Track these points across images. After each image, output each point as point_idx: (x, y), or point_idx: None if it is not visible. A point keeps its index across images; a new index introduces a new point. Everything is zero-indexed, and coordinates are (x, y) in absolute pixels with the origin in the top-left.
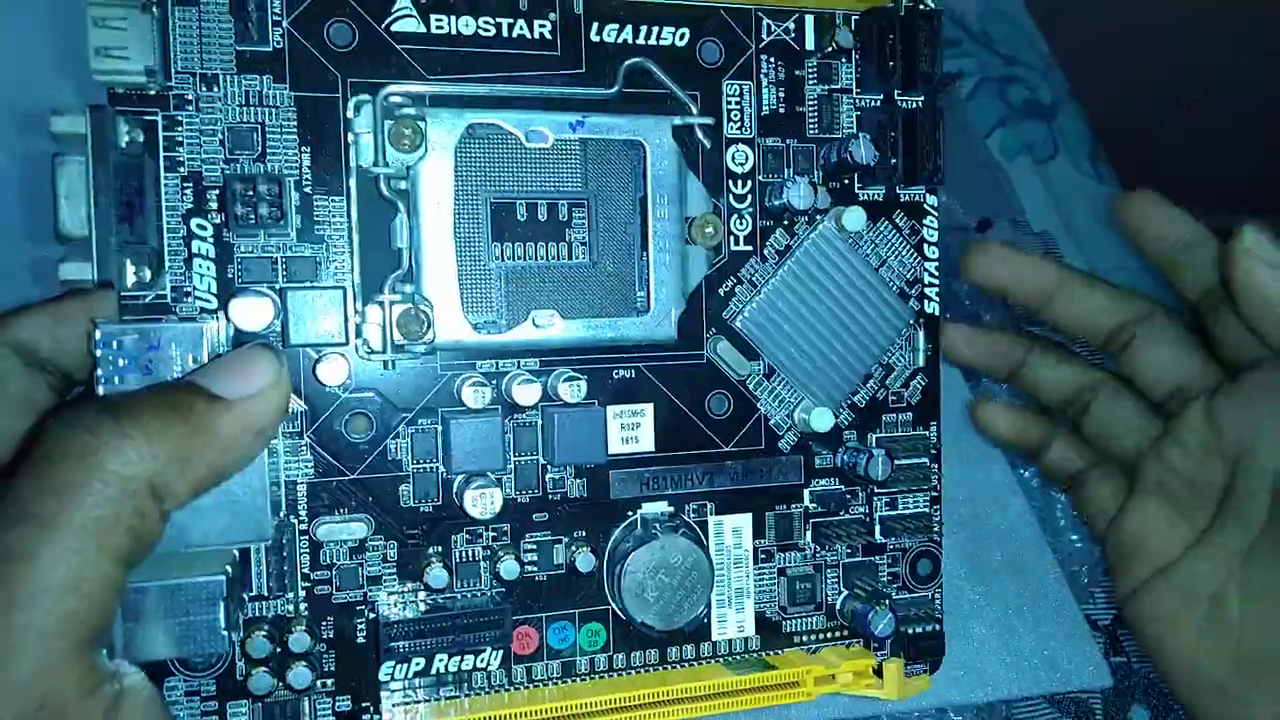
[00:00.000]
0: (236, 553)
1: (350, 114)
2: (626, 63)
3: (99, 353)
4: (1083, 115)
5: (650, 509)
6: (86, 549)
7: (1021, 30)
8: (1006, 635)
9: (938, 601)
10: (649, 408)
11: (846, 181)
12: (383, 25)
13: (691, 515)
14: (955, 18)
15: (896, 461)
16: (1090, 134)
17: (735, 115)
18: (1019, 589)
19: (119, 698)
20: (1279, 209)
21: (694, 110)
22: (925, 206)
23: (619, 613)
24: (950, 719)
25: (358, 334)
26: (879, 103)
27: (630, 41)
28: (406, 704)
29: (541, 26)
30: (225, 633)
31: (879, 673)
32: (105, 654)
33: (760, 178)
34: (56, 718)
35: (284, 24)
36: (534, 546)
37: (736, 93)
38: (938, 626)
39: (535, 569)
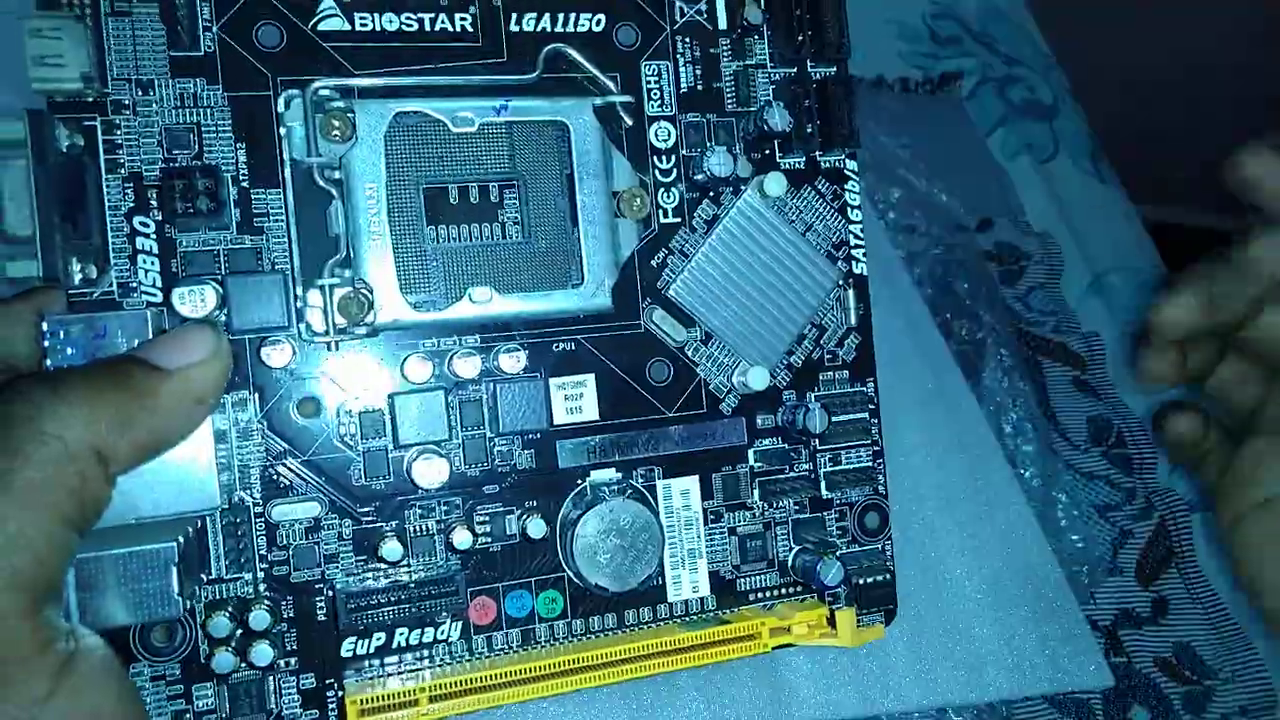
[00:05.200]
0: (191, 529)
1: (281, 109)
2: (546, 49)
3: (47, 343)
4: (1083, 115)
5: (599, 476)
6: (31, 508)
7: (1022, 30)
8: (1007, 635)
9: (888, 552)
10: (590, 378)
11: (768, 151)
12: (309, 25)
13: (640, 480)
14: (956, 17)
15: (835, 417)
16: (1091, 134)
17: (655, 94)
18: (1019, 589)
19: (73, 656)
20: None
21: (614, 90)
22: (846, 172)
23: (574, 578)
24: (950, 719)
25: (300, 319)
26: (793, 75)
27: (549, 29)
28: (370, 679)
29: (463, 20)
30: (179, 598)
31: (833, 623)
32: (61, 617)
33: (684, 152)
34: (6, 671)
35: (214, 29)
36: (486, 518)
37: (655, 72)
38: (889, 576)
39: (489, 539)
